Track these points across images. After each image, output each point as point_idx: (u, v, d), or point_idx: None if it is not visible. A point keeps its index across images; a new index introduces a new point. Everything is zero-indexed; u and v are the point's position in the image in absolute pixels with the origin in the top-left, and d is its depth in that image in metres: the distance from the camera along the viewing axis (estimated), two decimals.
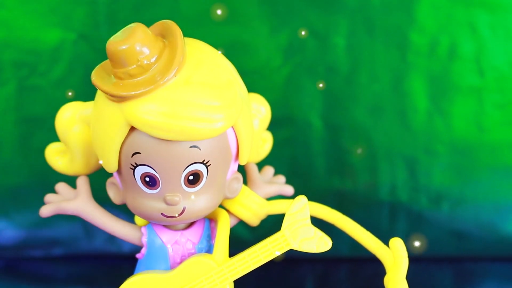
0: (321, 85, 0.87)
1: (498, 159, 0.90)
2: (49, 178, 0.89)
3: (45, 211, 0.60)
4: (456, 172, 0.91)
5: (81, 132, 0.59)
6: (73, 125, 0.59)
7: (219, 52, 0.58)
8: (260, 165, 0.65)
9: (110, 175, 0.59)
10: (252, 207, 0.61)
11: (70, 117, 0.59)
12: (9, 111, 0.89)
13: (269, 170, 0.66)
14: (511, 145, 0.90)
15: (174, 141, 0.53)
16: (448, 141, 0.89)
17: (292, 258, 0.86)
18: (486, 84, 0.88)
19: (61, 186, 0.61)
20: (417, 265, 0.92)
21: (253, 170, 0.64)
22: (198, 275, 0.57)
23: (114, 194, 0.59)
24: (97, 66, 0.56)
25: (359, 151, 0.87)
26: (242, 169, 0.62)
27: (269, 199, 0.63)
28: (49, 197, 0.61)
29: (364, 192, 0.91)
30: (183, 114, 0.52)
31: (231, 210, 0.62)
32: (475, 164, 0.91)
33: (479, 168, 0.91)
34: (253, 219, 0.62)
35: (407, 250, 0.58)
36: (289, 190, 0.65)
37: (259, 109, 0.63)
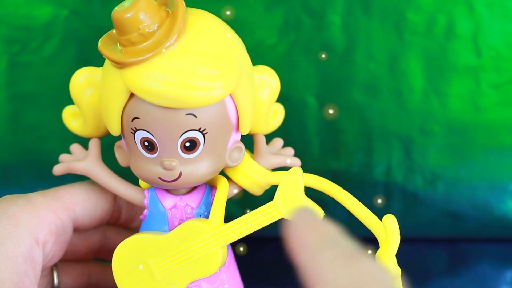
0: (323, 55, 0.87)
1: (494, 139, 0.90)
2: (41, 157, 0.89)
3: (58, 169, 0.64)
4: (451, 152, 0.90)
5: (92, 96, 0.62)
6: (85, 89, 0.62)
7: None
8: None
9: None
10: (253, 177, 0.63)
11: (84, 80, 0.62)
12: (0, 88, 0.88)
13: (278, 142, 0.67)
14: (507, 125, 0.90)
15: (171, 108, 0.55)
16: (444, 121, 0.89)
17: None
18: (483, 63, 0.87)
19: (74, 147, 0.66)
20: (412, 245, 0.92)
21: (260, 141, 0.65)
22: (192, 238, 0.59)
23: (120, 156, 0.62)
24: (105, 34, 0.59)
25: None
26: (250, 140, 0.63)
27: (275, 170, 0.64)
28: (63, 156, 0.65)
29: (359, 172, 0.91)
30: (180, 81, 0.54)
31: (233, 178, 0.63)
32: (470, 144, 0.90)
33: (474, 148, 0.91)
34: (255, 188, 0.63)
35: (400, 228, 0.59)
36: (296, 161, 0.66)
37: (270, 82, 0.64)
